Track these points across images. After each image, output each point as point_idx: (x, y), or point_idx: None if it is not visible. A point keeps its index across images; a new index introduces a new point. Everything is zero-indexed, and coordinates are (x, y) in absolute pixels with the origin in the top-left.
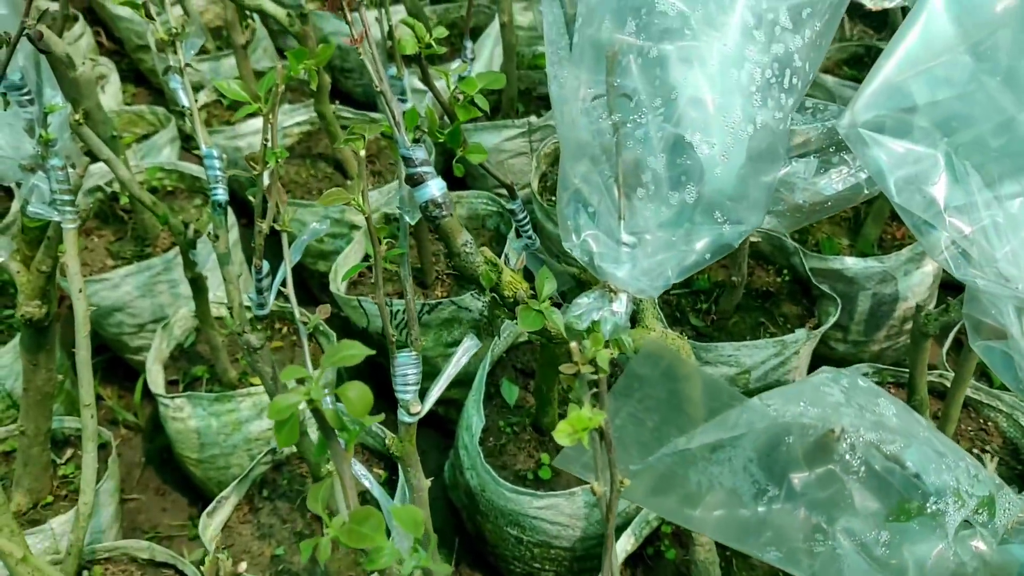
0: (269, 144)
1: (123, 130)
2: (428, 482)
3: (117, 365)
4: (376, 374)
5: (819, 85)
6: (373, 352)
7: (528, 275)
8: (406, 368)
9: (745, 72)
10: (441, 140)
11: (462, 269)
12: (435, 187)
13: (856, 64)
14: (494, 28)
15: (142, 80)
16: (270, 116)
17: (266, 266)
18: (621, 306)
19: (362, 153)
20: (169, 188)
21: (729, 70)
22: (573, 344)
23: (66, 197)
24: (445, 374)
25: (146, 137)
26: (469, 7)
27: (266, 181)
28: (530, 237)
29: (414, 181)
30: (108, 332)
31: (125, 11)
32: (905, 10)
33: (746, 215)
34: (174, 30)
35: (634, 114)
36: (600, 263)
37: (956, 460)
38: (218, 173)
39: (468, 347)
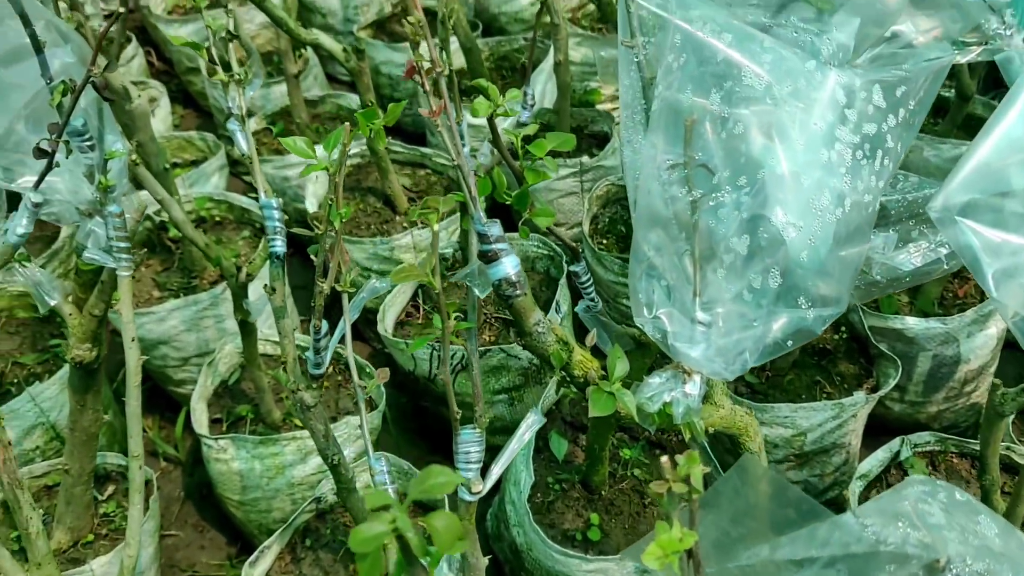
0: (333, 203)
1: (172, 156)
2: (486, 560)
3: (159, 395)
4: (419, 414)
5: None
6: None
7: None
8: (469, 446)
9: (835, 152)
10: (508, 202)
11: (532, 349)
12: (510, 265)
13: None
14: (547, 63)
15: (191, 102)
16: (336, 176)
17: (325, 326)
18: (695, 388)
19: (436, 228)
20: (217, 219)
21: (818, 149)
22: (664, 459)
23: (122, 244)
24: (508, 450)
25: (195, 163)
26: (531, 51)
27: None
28: (592, 299)
29: (488, 258)
30: (152, 364)
31: (175, 32)
32: (971, 65)
33: (831, 299)
34: (237, 76)
35: (715, 190)
36: (674, 343)
37: None
38: (277, 224)
39: (532, 423)
